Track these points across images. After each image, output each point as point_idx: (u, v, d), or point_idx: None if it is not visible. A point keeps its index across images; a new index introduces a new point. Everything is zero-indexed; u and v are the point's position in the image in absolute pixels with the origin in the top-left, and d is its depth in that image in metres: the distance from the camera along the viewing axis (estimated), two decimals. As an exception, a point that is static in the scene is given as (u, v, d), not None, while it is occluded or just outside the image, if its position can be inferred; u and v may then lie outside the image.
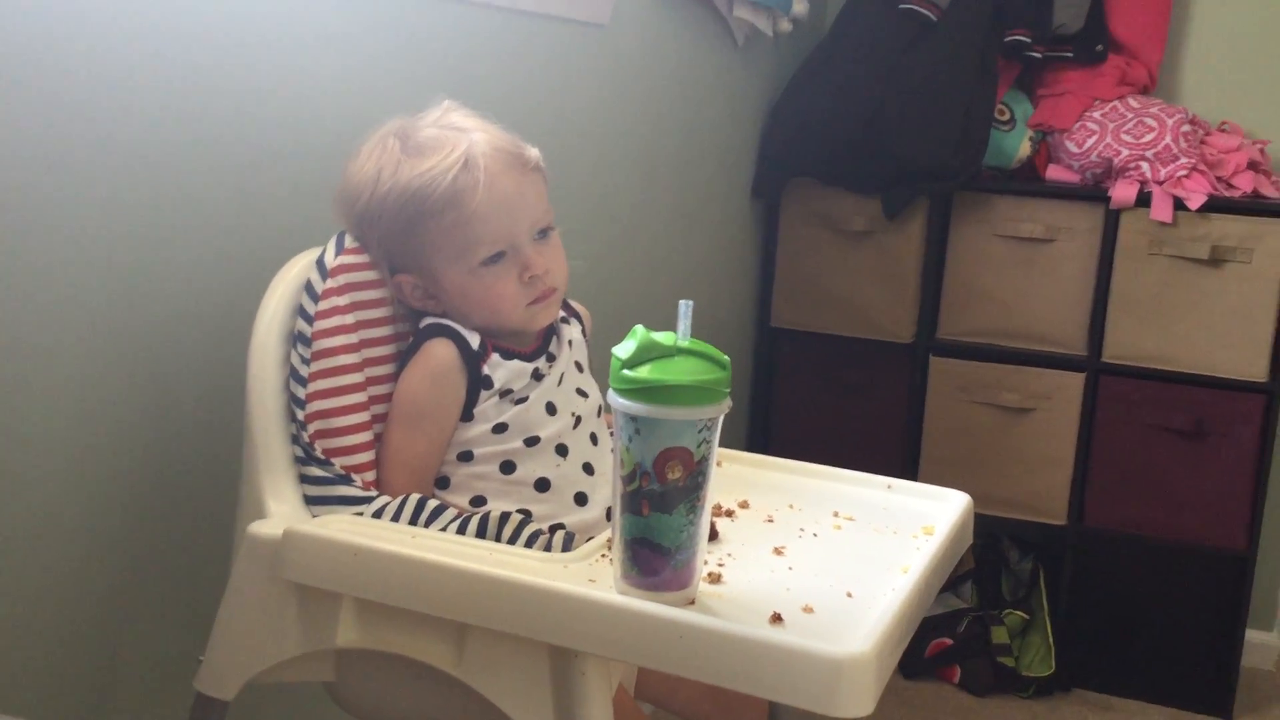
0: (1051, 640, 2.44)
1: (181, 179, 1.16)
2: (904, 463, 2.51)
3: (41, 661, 1.10)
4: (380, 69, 1.40)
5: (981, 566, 2.58)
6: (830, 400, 2.58)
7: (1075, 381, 2.38)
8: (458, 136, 1.10)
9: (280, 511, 1.06)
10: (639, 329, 0.90)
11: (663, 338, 0.90)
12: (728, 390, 0.90)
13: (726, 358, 0.91)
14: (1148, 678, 2.47)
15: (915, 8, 2.40)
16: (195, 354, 1.20)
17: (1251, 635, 2.51)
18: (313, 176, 1.29)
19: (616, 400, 0.89)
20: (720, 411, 0.89)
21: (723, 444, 1.16)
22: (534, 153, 1.15)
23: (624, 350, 0.90)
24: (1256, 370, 2.26)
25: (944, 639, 2.48)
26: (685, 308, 0.92)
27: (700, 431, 0.89)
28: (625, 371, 0.89)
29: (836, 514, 1.15)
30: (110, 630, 1.17)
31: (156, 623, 1.21)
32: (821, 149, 2.43)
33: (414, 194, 1.08)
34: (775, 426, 2.64)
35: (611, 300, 1.94)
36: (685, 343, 0.91)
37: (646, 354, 0.89)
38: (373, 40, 1.38)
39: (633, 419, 0.89)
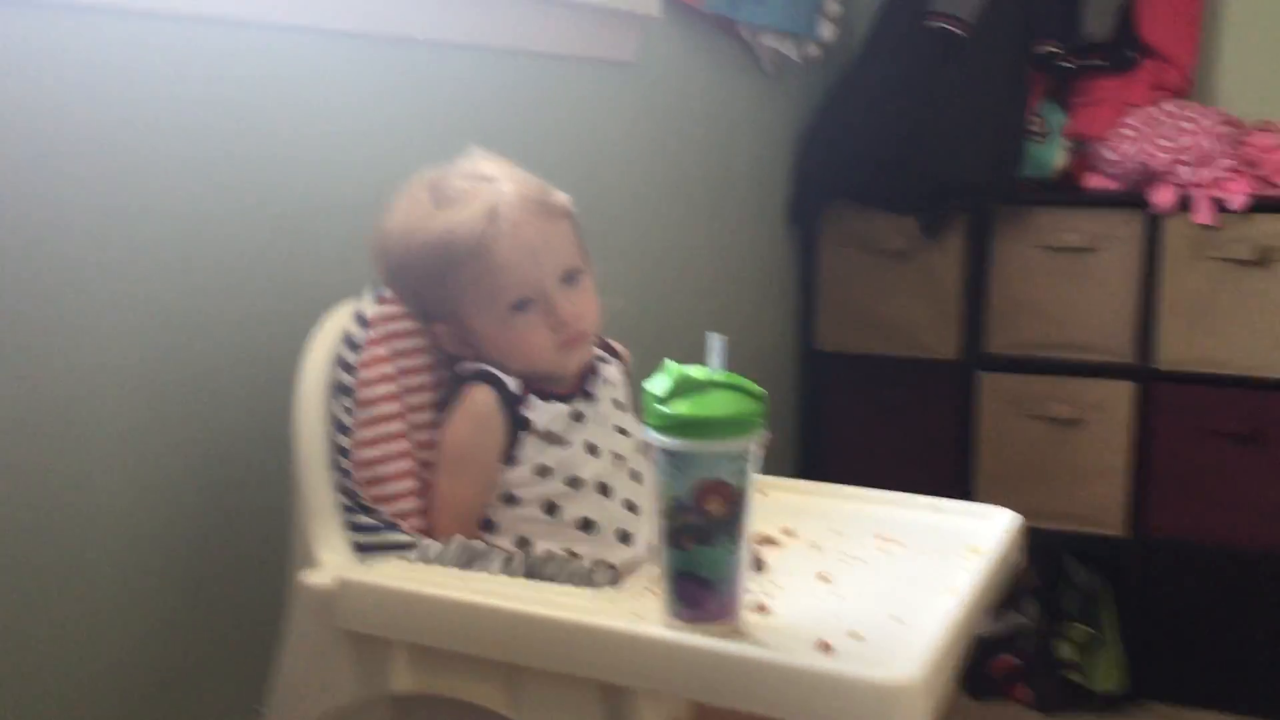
0: (1121, 653, 2.40)
1: (219, 235, 1.19)
2: (958, 481, 2.49)
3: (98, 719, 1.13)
4: (412, 120, 1.42)
5: (1044, 582, 2.55)
6: (880, 421, 2.56)
7: (1126, 390, 2.35)
8: (485, 187, 1.12)
9: (330, 560, 1.07)
10: (669, 363, 0.91)
11: (696, 371, 0.91)
12: (763, 421, 0.91)
13: (761, 389, 0.91)
14: (1221, 686, 2.41)
15: (944, 25, 2.40)
16: (239, 409, 1.22)
17: (1326, 640, 2.45)
18: (348, 229, 1.31)
19: (652, 436, 0.90)
20: (756, 443, 0.90)
21: (772, 471, 1.17)
22: (562, 199, 1.16)
23: (657, 385, 0.91)
24: (1311, 369, 2.22)
25: (1009, 657, 2.45)
26: (717, 341, 0.93)
27: (738, 463, 0.90)
28: (659, 407, 0.90)
29: (882, 537, 1.15)
30: (166, 684, 1.19)
31: (212, 675, 1.23)
32: (856, 171, 2.43)
33: (441, 245, 1.10)
34: (825, 450, 2.63)
35: (653, 335, 1.95)
36: (719, 375, 0.91)
37: (680, 389, 0.90)
38: (403, 92, 1.41)
39: (670, 454, 0.90)
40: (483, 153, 1.18)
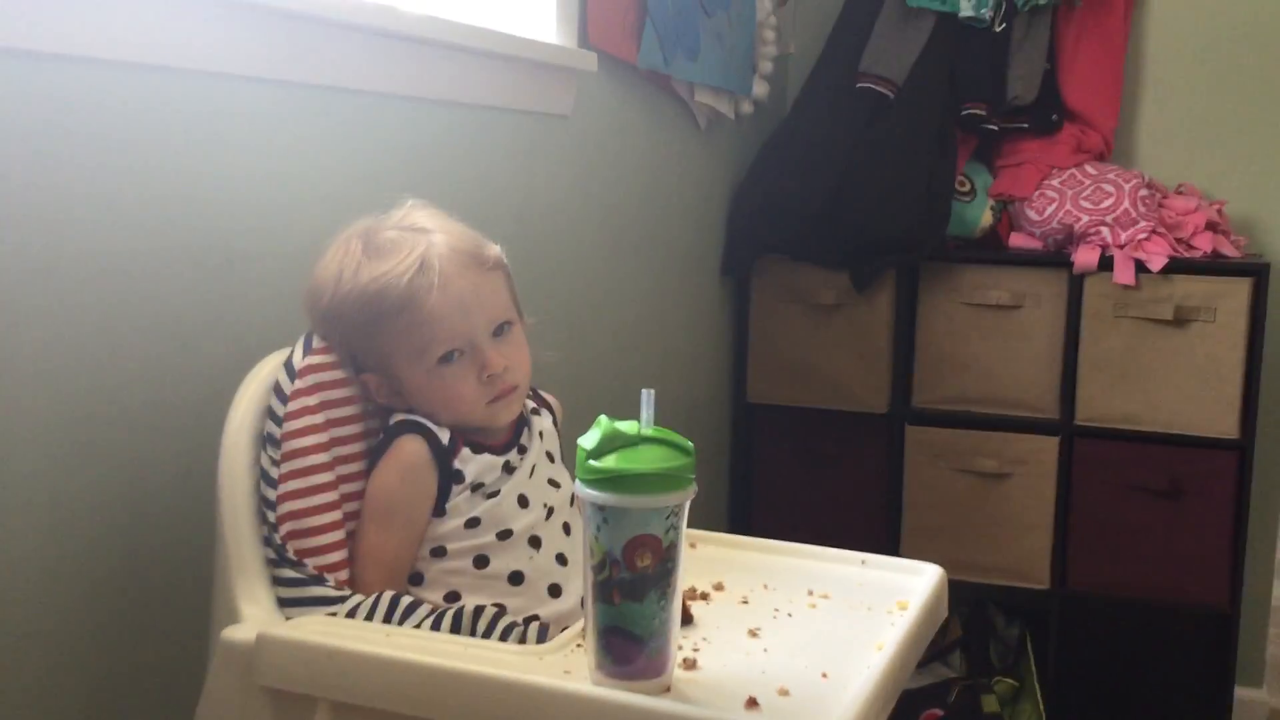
0: (1042, 706, 2.42)
1: (148, 282, 1.17)
2: (885, 533, 2.51)
3: (16, 778, 1.09)
4: (348, 169, 1.42)
5: (969, 634, 2.57)
6: (809, 473, 2.58)
7: (1050, 445, 2.40)
8: (416, 238, 1.12)
9: (253, 615, 1.05)
10: (602, 419, 0.91)
11: (626, 426, 0.91)
12: (693, 476, 0.91)
13: (691, 444, 0.92)
14: (1141, 740, 2.45)
15: (872, 86, 2.45)
16: (165, 458, 1.20)
17: (1241, 693, 2.49)
18: (280, 278, 1.30)
19: (583, 490, 0.90)
20: (686, 498, 0.90)
21: (702, 522, 1.17)
22: (494, 251, 1.16)
23: (589, 440, 0.91)
24: (1227, 427, 2.28)
25: (935, 710, 2.46)
26: (647, 396, 0.93)
27: (668, 518, 0.90)
28: (590, 461, 0.90)
29: (811, 592, 1.15)
30: (86, 742, 1.16)
31: (133, 732, 1.20)
32: (788, 225, 2.47)
33: (372, 296, 1.10)
34: (755, 502, 2.64)
35: (586, 388, 1.95)
36: (649, 430, 0.92)
37: (611, 443, 0.90)
38: (340, 140, 1.41)
39: (600, 508, 0.89)
40: (418, 203, 1.18)
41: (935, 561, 1.22)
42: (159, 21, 1.15)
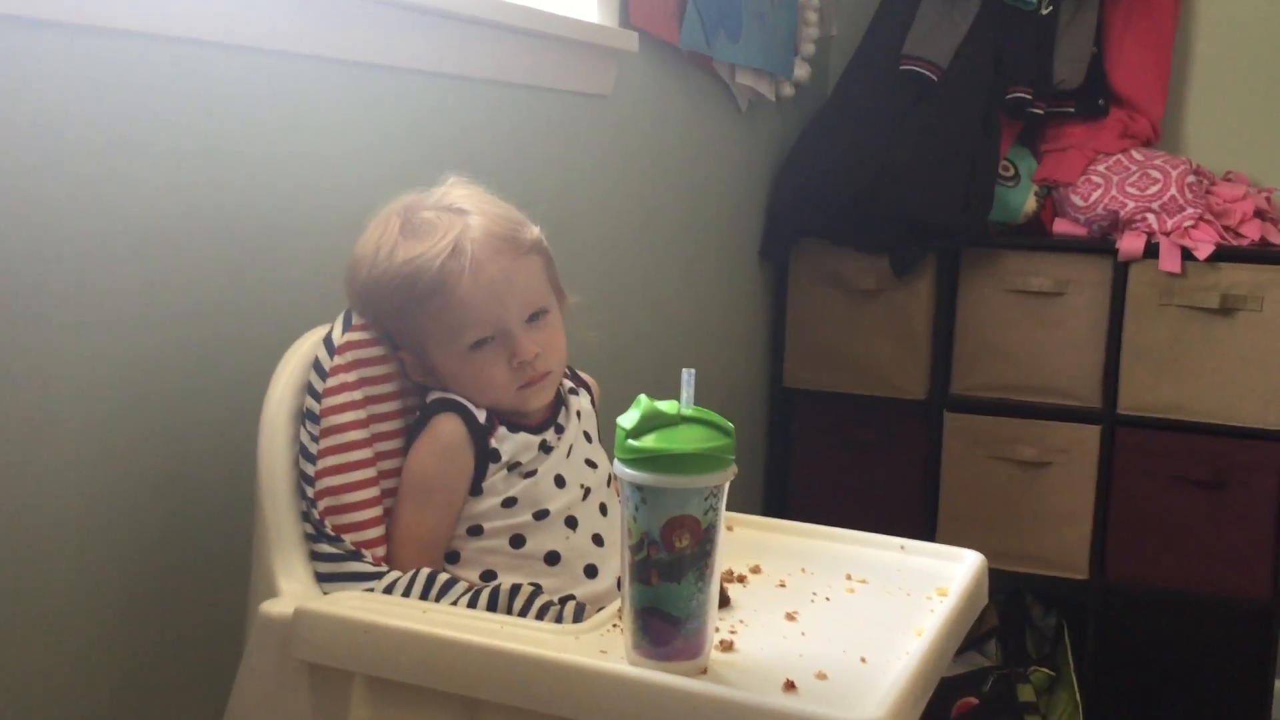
0: (1079, 697, 2.40)
1: (188, 257, 1.17)
2: (922, 520, 2.49)
3: (56, 747, 1.10)
4: (388, 145, 1.42)
5: (1005, 624, 2.55)
6: (846, 459, 2.57)
7: (1091, 434, 2.37)
8: (453, 220, 1.11)
9: (291, 590, 1.06)
10: (642, 398, 0.91)
11: (666, 406, 0.91)
12: (733, 457, 0.90)
13: (731, 424, 0.91)
14: (1178, 733, 2.43)
15: (916, 69, 2.43)
16: (205, 434, 1.21)
17: (1282, 687, 2.46)
18: (320, 254, 1.30)
19: (622, 470, 0.89)
20: (726, 478, 0.90)
21: (738, 506, 1.17)
22: (533, 233, 1.15)
23: (628, 420, 0.90)
24: (1273, 418, 2.24)
25: (970, 698, 2.44)
26: (688, 376, 0.92)
27: (707, 499, 0.89)
28: (630, 441, 0.89)
29: (849, 577, 1.14)
30: (124, 715, 1.16)
31: (171, 705, 1.21)
32: (828, 209, 2.45)
33: (405, 278, 1.09)
34: (791, 487, 2.63)
35: (623, 368, 1.95)
36: (689, 410, 0.91)
37: (650, 423, 0.90)
38: (380, 117, 1.41)
39: (639, 488, 0.89)
40: (460, 180, 1.17)
41: (972, 550, 1.20)
42: (202, -4, 1.15)
